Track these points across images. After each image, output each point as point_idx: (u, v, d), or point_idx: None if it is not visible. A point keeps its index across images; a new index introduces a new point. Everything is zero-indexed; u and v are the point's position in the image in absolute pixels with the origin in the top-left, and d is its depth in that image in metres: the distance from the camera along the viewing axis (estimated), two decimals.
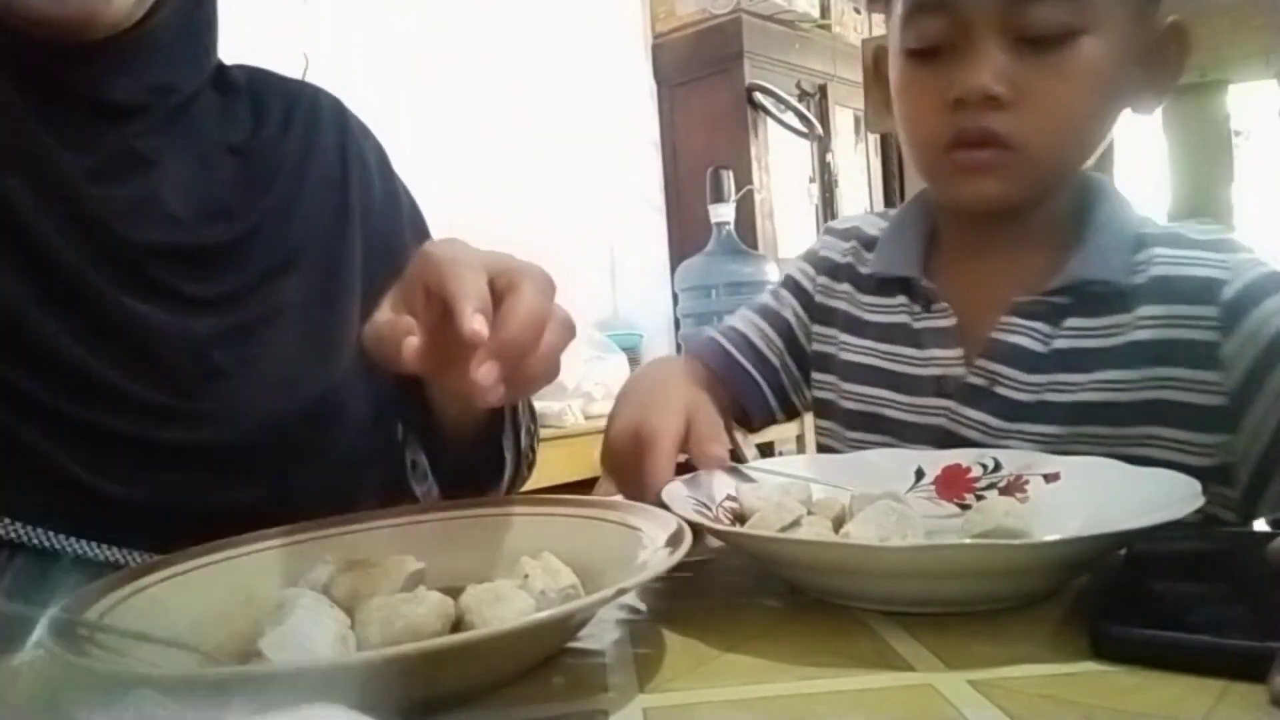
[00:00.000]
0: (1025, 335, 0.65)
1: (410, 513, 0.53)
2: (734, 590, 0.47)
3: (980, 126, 0.62)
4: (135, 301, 0.58)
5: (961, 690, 0.33)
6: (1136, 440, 0.61)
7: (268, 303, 0.65)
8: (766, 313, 0.80)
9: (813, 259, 0.81)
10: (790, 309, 0.80)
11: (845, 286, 0.76)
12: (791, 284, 0.81)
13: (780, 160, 3.01)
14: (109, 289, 0.57)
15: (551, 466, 1.92)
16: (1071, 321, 0.64)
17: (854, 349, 0.74)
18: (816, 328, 0.78)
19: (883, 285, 0.73)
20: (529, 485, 0.77)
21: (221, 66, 0.70)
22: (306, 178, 0.70)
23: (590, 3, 2.82)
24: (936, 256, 0.73)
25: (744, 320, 0.81)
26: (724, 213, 2.45)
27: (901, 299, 0.72)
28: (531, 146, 2.53)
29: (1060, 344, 0.64)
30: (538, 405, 2.15)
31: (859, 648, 0.38)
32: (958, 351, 0.68)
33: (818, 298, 0.78)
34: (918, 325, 0.70)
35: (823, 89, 3.16)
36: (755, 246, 2.76)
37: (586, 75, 2.74)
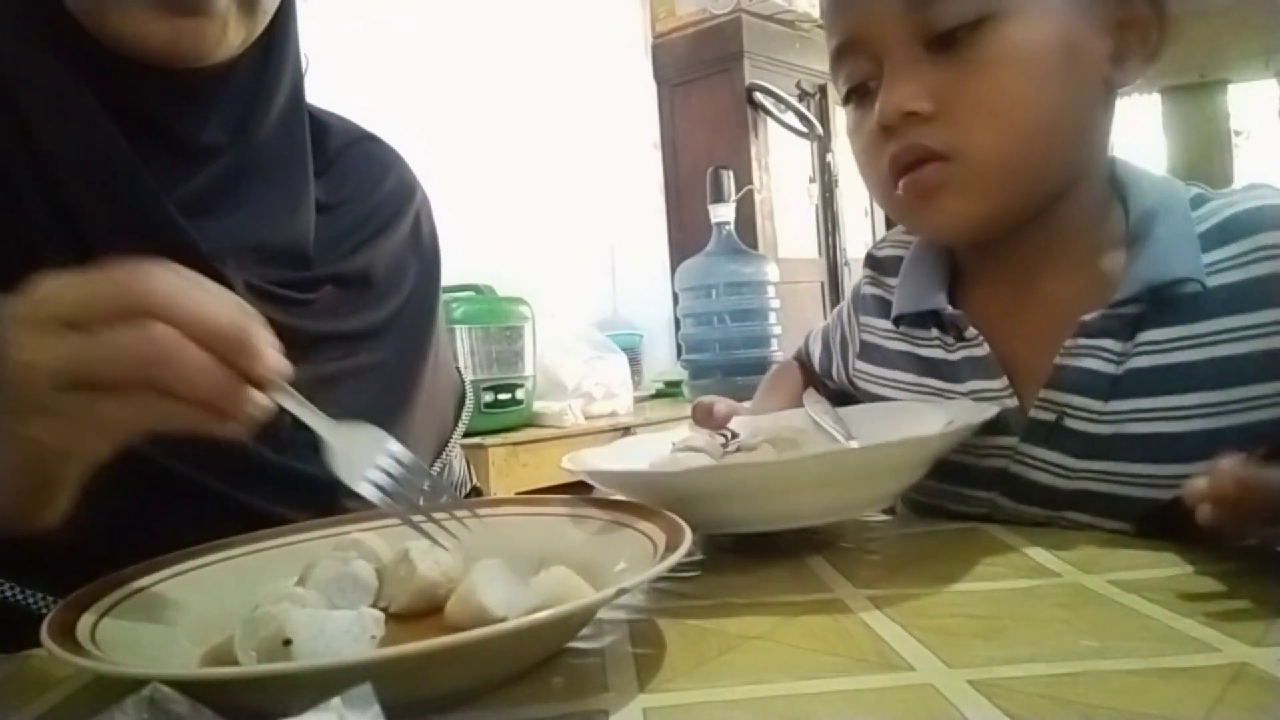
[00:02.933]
0: (1094, 357, 0.56)
1: (409, 513, 0.53)
2: (734, 590, 0.47)
3: (910, 145, 0.58)
4: None
5: (961, 690, 0.33)
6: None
7: (351, 361, 0.65)
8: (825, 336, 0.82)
9: (855, 297, 0.77)
10: (836, 342, 0.79)
11: (881, 322, 0.72)
12: (836, 319, 0.80)
13: (780, 160, 3.01)
14: None
15: (551, 466, 1.92)
16: (1149, 335, 0.55)
17: (884, 383, 0.70)
18: (860, 365, 0.74)
19: (915, 320, 0.68)
20: (529, 485, 0.78)
21: (310, 115, 0.69)
22: (404, 256, 0.71)
23: (590, 3, 2.82)
24: (962, 284, 0.67)
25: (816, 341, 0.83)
26: (724, 213, 2.44)
27: (935, 332, 0.66)
28: (532, 146, 2.52)
29: (1138, 363, 0.55)
30: (538, 405, 2.15)
31: (859, 648, 0.38)
32: (1001, 381, 0.61)
33: (861, 334, 0.74)
34: (954, 357, 0.64)
35: (823, 89, 3.16)
36: (755, 246, 2.76)
37: (586, 75, 2.74)
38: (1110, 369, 0.56)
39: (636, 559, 0.42)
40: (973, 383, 0.63)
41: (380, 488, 0.43)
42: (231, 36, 0.57)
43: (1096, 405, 0.56)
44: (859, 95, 0.62)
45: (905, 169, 0.59)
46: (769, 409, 0.75)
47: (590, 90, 2.75)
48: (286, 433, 0.57)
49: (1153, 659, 0.34)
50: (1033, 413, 0.59)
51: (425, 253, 0.75)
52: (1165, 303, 0.55)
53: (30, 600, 0.50)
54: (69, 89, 0.54)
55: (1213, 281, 0.54)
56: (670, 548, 0.40)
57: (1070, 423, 0.57)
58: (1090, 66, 0.58)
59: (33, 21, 0.54)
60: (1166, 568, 0.47)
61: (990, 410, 0.57)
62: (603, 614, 0.43)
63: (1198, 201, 0.59)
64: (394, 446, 0.45)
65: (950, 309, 0.64)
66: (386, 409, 0.66)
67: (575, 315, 2.44)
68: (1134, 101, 0.89)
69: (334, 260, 0.66)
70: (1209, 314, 0.54)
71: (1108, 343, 0.56)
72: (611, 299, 2.77)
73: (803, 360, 0.85)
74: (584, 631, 0.41)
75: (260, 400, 0.40)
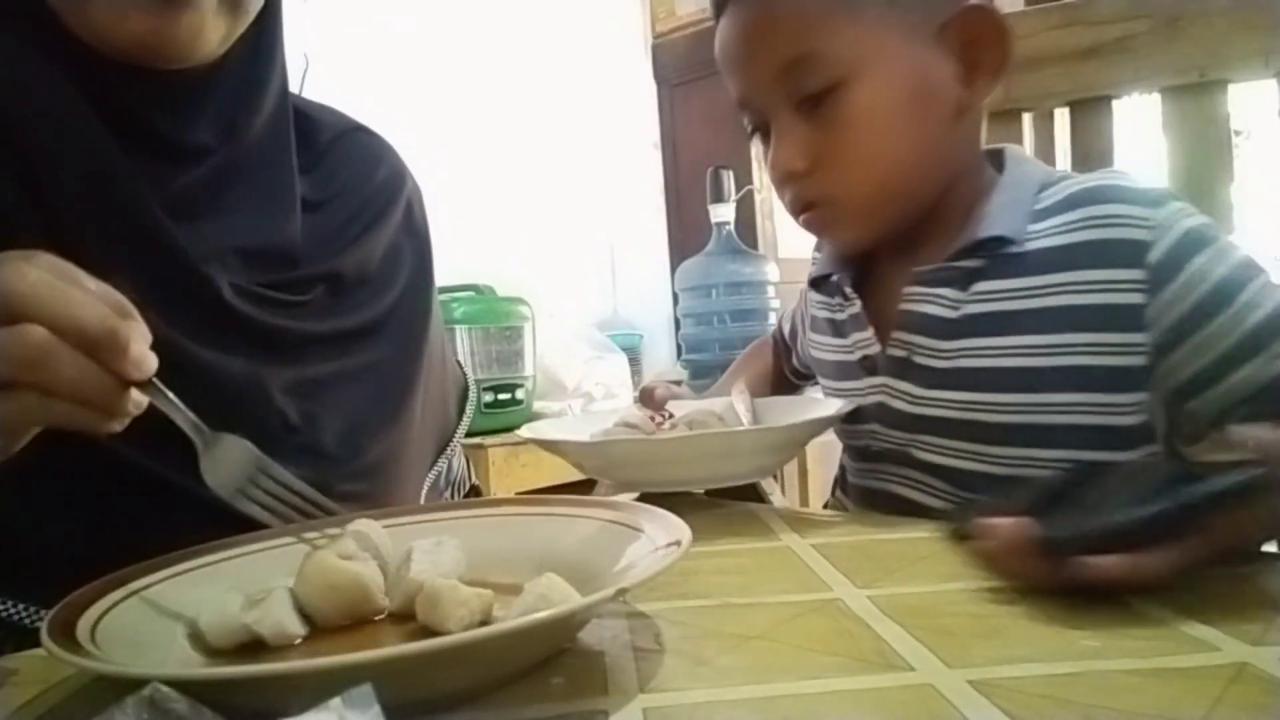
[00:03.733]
0: (933, 303, 0.67)
1: (409, 513, 0.53)
2: (734, 590, 0.47)
3: (795, 196, 0.70)
4: (205, 348, 0.56)
5: (961, 690, 0.33)
6: (1058, 408, 0.62)
7: (345, 362, 0.64)
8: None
9: (810, 272, 0.86)
10: (791, 319, 0.96)
11: (811, 293, 0.84)
12: (799, 298, 0.93)
13: None
14: (183, 330, 0.55)
15: (551, 466, 1.92)
16: (982, 285, 0.65)
17: (817, 346, 0.82)
18: (809, 335, 0.86)
19: (822, 285, 0.80)
20: (529, 485, 0.79)
21: (295, 110, 0.68)
22: (398, 250, 0.70)
23: (590, 3, 2.82)
24: (867, 257, 0.77)
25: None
26: (724, 213, 2.44)
27: (835, 296, 0.78)
28: (531, 146, 2.52)
29: (972, 309, 0.65)
30: (538, 405, 2.15)
31: (859, 648, 0.38)
32: (869, 332, 0.72)
33: (806, 307, 0.88)
34: (840, 316, 0.76)
35: None
36: (755, 246, 2.76)
37: (586, 75, 2.74)
38: (949, 313, 0.66)
39: (636, 559, 0.42)
40: (854, 335, 0.74)
41: (253, 500, 0.45)
42: (211, 32, 0.56)
43: (938, 344, 0.66)
44: (762, 135, 0.72)
45: (797, 212, 0.71)
46: (726, 388, 0.89)
47: (590, 90, 2.75)
48: (273, 435, 0.56)
49: (1153, 659, 0.34)
50: (889, 350, 0.70)
51: (418, 242, 0.74)
52: (998, 259, 0.64)
53: (16, 613, 0.50)
54: (54, 89, 0.54)
55: (1044, 244, 0.63)
56: (670, 548, 0.40)
57: (918, 359, 0.68)
58: (941, 100, 0.66)
59: (16, 21, 0.54)
60: None
61: (846, 405, 0.71)
62: (603, 614, 0.43)
63: (1061, 180, 0.66)
64: (265, 461, 0.46)
65: (835, 276, 0.76)
66: (384, 407, 0.66)
67: (575, 315, 2.44)
68: (1134, 101, 0.89)
69: (325, 258, 0.65)
70: (1036, 270, 0.62)
71: (946, 291, 0.66)
72: (611, 299, 2.77)
73: (778, 338, 1.01)
74: (584, 631, 0.41)
75: (138, 399, 0.41)
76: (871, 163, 0.66)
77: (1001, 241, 0.63)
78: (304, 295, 0.63)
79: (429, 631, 0.39)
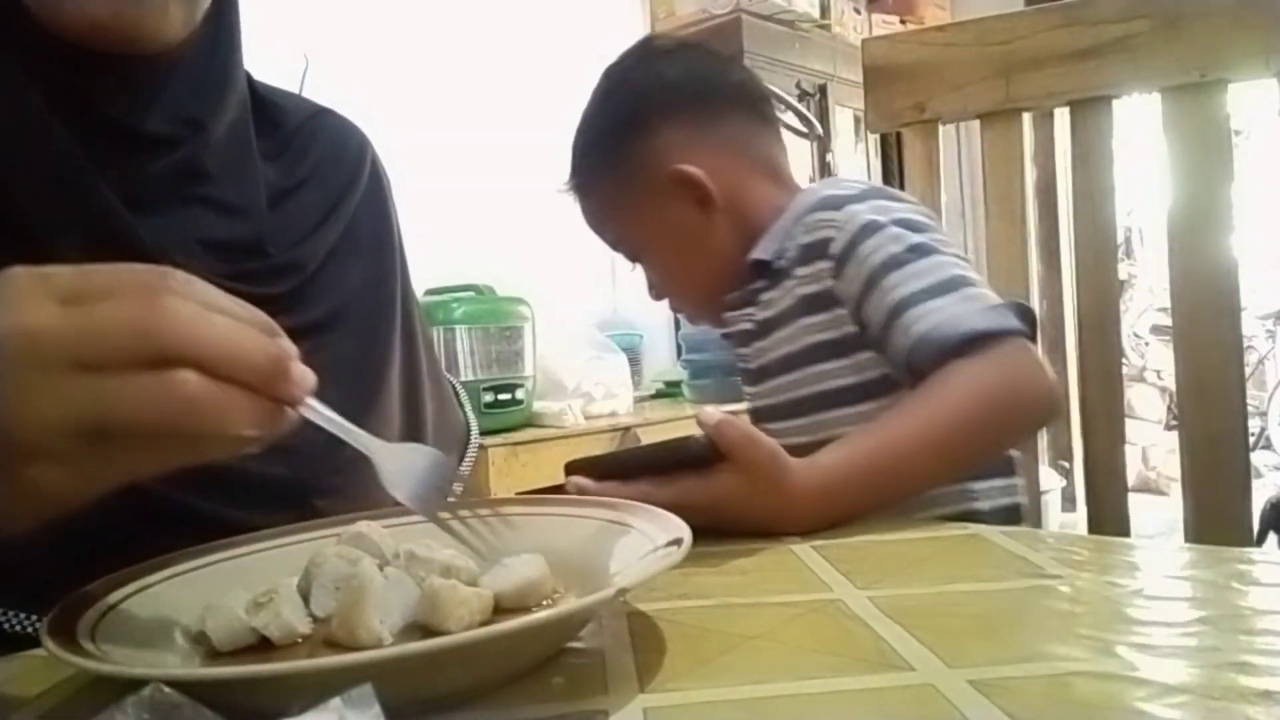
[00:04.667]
0: (744, 320, 0.85)
1: (408, 512, 0.53)
2: (734, 590, 0.47)
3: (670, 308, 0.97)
4: None
5: (961, 690, 0.33)
6: (816, 378, 0.78)
7: (309, 358, 0.63)
8: None
9: None
10: None
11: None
12: None
13: None
14: None
15: (551, 466, 1.92)
16: (765, 297, 0.82)
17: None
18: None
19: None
20: (529, 485, 0.79)
21: (259, 98, 0.68)
22: (355, 234, 0.69)
23: (590, 3, 2.82)
24: None
25: None
26: None
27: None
28: (532, 146, 2.52)
29: (760, 317, 0.83)
30: (538, 405, 2.15)
31: (859, 648, 0.38)
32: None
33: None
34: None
35: (823, 89, 3.16)
36: None
37: (587, 75, 2.74)
38: (751, 325, 0.84)
39: (636, 559, 0.42)
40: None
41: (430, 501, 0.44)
42: (173, 15, 0.55)
43: (748, 350, 0.85)
44: None
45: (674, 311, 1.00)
46: None
47: (590, 90, 2.75)
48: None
49: (1152, 659, 0.34)
50: (739, 364, 0.88)
51: (380, 224, 0.73)
52: (771, 275, 0.81)
53: (7, 620, 0.50)
54: (9, 78, 0.53)
55: (789, 254, 0.79)
56: (670, 548, 0.40)
57: (743, 364, 0.87)
58: (698, 228, 0.84)
59: None
60: (1166, 569, 0.47)
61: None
62: (603, 614, 0.43)
63: (807, 212, 0.81)
64: (437, 456, 0.45)
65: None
66: (355, 398, 0.65)
67: (575, 315, 2.44)
68: (1134, 101, 0.88)
69: (296, 246, 0.65)
70: (786, 276, 0.79)
71: (747, 310, 0.84)
72: (611, 299, 2.77)
73: None
74: (584, 631, 0.41)
75: (292, 418, 0.39)
76: (685, 291, 0.91)
77: (764, 264, 0.81)
78: (275, 286, 0.62)
79: (429, 632, 0.39)
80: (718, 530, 0.54)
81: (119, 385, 0.34)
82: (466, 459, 0.78)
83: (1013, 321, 0.66)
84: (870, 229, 0.73)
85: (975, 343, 0.65)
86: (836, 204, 0.76)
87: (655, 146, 0.85)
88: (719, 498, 0.55)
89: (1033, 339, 0.69)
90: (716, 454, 0.56)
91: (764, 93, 0.91)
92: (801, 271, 0.77)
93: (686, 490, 0.55)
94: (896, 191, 0.83)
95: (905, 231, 0.72)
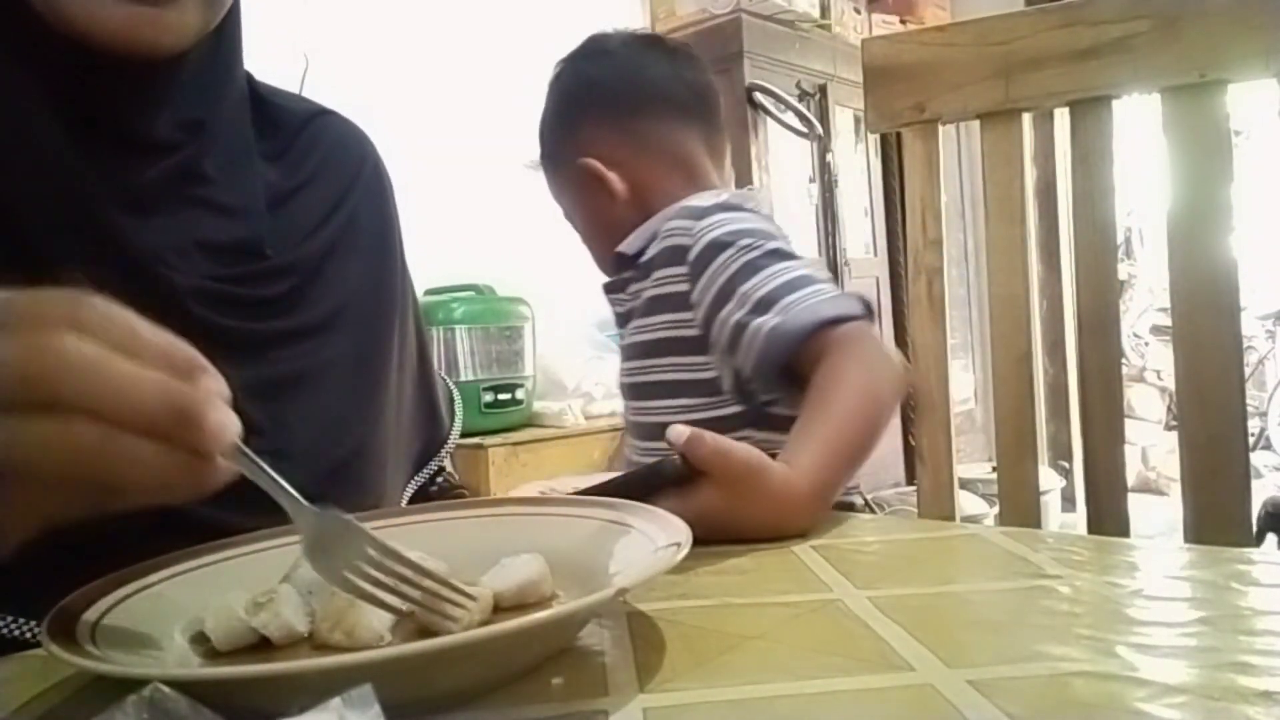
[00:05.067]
0: (618, 304, 0.94)
1: (408, 513, 0.53)
2: (734, 590, 0.47)
3: None
4: None
5: (961, 690, 0.33)
6: (661, 368, 0.86)
7: (307, 360, 0.62)
8: None
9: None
10: None
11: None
12: None
13: (780, 160, 3.01)
14: None
15: (552, 466, 1.92)
16: (632, 288, 0.90)
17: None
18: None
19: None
20: None
21: (261, 99, 0.67)
22: (355, 235, 0.69)
23: (590, 3, 2.82)
24: None
25: None
26: None
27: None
28: (532, 146, 2.52)
29: (628, 305, 0.91)
30: (538, 405, 2.15)
31: (859, 648, 0.38)
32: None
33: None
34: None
35: (823, 89, 3.16)
36: None
37: None
38: (622, 309, 0.93)
39: (636, 559, 0.42)
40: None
41: (359, 579, 0.39)
42: (190, 23, 0.55)
43: (624, 331, 0.92)
44: None
45: None
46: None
47: None
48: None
49: (1152, 659, 0.34)
50: (619, 342, 0.96)
51: (380, 226, 0.73)
52: (638, 268, 0.89)
53: (4, 626, 0.50)
54: (9, 78, 0.53)
55: (650, 254, 0.87)
56: (670, 548, 0.40)
57: (621, 343, 0.94)
58: (609, 211, 0.92)
59: None
60: (1166, 569, 0.47)
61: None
62: (603, 614, 0.43)
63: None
64: (368, 533, 0.40)
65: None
66: (350, 404, 0.65)
67: (575, 315, 2.44)
68: (1134, 101, 0.88)
69: (295, 249, 0.64)
70: (649, 273, 0.87)
71: (619, 295, 0.93)
72: None
73: None
74: (584, 631, 0.41)
75: (219, 468, 0.36)
76: (599, 264, 0.98)
77: (630, 257, 0.90)
78: (273, 288, 0.62)
79: (429, 632, 0.39)
80: (715, 541, 0.54)
81: (15, 426, 0.32)
82: (430, 464, 0.78)
83: (857, 308, 0.74)
84: (722, 242, 0.80)
85: (826, 327, 0.71)
86: (696, 214, 0.84)
87: (577, 139, 0.94)
88: (703, 514, 0.51)
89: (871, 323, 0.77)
90: (693, 470, 0.56)
91: (703, 94, 0.95)
92: (660, 273, 0.86)
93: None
94: (751, 203, 0.88)
95: (755, 240, 0.80)
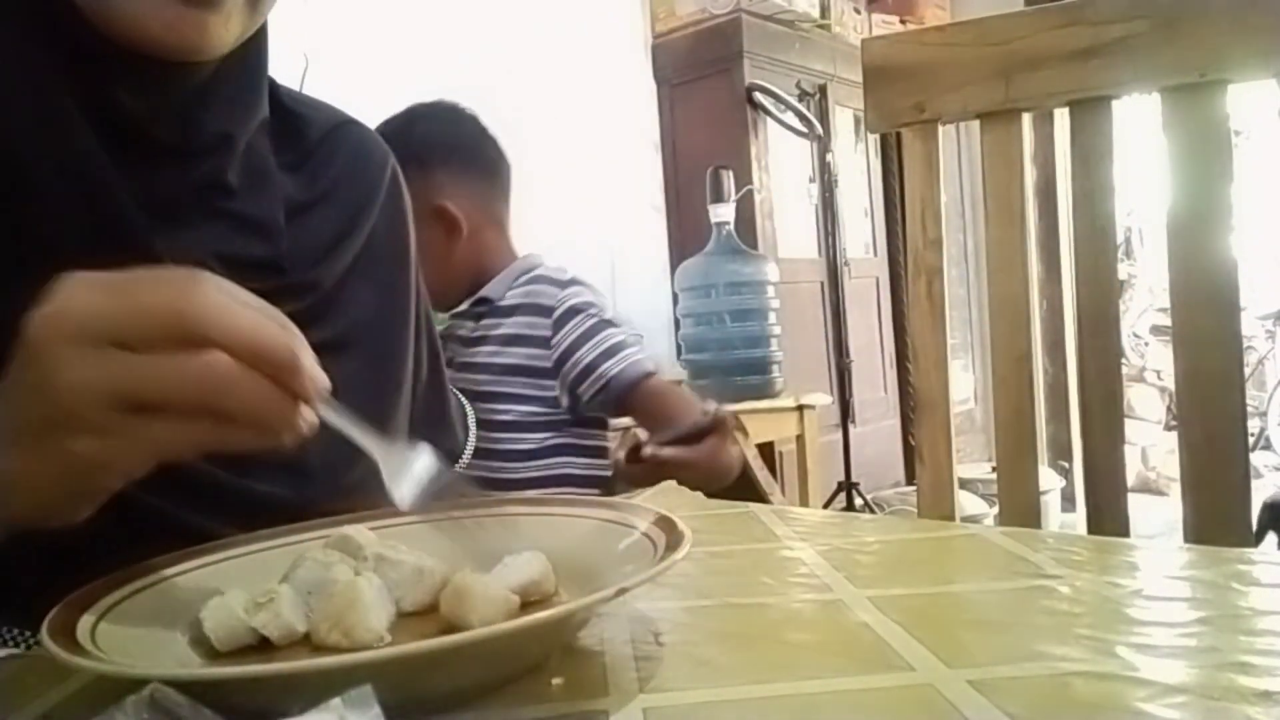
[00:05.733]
0: (459, 328, 1.27)
1: (399, 514, 0.53)
2: (734, 590, 0.47)
3: None
4: None
5: (961, 690, 0.33)
6: (515, 384, 1.21)
7: (328, 372, 0.63)
8: None
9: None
10: None
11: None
12: None
13: (780, 160, 3.01)
14: None
15: None
16: (485, 321, 1.25)
17: None
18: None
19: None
20: None
21: (284, 107, 0.67)
22: (373, 252, 0.68)
23: (590, 3, 2.82)
24: None
25: None
26: (724, 213, 2.44)
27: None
28: (531, 146, 2.52)
29: (479, 333, 1.25)
30: None
31: (859, 648, 0.38)
32: None
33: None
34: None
35: (823, 89, 3.16)
36: (755, 246, 2.76)
37: (586, 75, 2.74)
38: (467, 334, 1.26)
39: (636, 559, 0.42)
40: None
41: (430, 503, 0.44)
42: (231, 29, 0.54)
43: (469, 350, 1.25)
44: None
45: None
46: None
47: (590, 90, 2.75)
48: (254, 454, 0.55)
49: (1152, 659, 0.34)
50: (459, 356, 1.25)
51: (397, 239, 0.73)
52: (494, 308, 1.26)
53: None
54: (42, 84, 0.52)
55: (509, 300, 1.26)
56: (670, 548, 0.40)
57: (464, 359, 1.25)
58: (447, 248, 1.27)
59: (23, 8, 0.52)
60: (1166, 569, 0.47)
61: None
62: (603, 614, 0.43)
63: (531, 270, 1.31)
64: (437, 462, 0.45)
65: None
66: (366, 419, 0.65)
67: None
68: (1134, 101, 0.89)
69: (314, 264, 0.64)
70: (505, 314, 1.25)
71: (468, 323, 1.27)
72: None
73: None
74: (584, 631, 0.41)
75: (310, 417, 0.40)
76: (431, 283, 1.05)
77: (488, 300, 1.25)
78: (288, 304, 0.61)
79: (429, 632, 0.39)
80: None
81: (155, 361, 0.36)
82: (470, 434, 0.79)
83: (653, 365, 1.25)
84: (578, 308, 1.23)
85: (648, 375, 1.23)
86: (561, 284, 1.26)
87: (428, 184, 1.22)
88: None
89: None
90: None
91: (493, 161, 1.38)
92: (519, 319, 1.23)
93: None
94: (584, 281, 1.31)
95: (598, 310, 1.26)
